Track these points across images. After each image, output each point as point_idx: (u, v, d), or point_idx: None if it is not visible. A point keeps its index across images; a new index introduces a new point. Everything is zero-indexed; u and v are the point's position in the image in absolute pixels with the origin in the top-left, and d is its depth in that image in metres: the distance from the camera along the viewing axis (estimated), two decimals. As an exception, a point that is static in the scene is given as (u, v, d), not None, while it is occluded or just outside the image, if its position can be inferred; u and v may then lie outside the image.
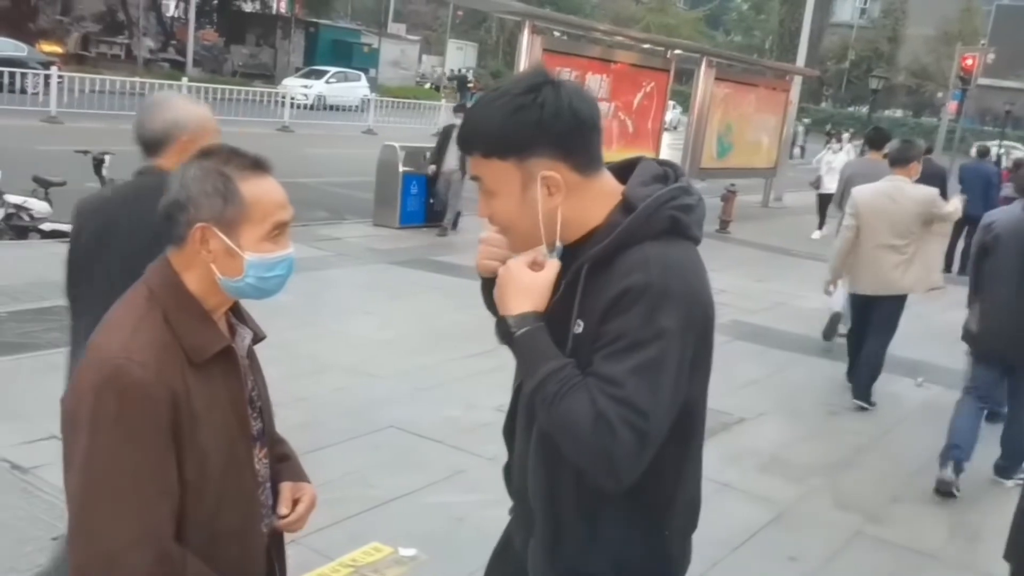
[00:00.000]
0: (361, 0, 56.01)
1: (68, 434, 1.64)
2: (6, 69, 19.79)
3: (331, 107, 30.68)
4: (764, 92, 17.65)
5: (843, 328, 7.87)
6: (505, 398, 2.01)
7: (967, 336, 5.56)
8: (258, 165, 1.72)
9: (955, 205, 6.70)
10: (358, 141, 22.08)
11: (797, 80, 19.49)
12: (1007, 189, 11.62)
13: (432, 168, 11.73)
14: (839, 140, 16.71)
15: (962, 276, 8.59)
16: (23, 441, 4.31)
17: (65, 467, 1.65)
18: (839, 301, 7.83)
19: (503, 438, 2.05)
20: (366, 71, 37.51)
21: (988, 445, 5.46)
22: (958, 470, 5.19)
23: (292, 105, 24.98)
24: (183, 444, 1.63)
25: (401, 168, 11.72)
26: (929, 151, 13.04)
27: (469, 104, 1.79)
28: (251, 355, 1.88)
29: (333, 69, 34.27)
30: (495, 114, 1.68)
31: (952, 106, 32.81)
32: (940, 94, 50.45)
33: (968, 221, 10.19)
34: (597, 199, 1.75)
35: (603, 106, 13.03)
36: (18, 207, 8.74)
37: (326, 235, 10.51)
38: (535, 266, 1.75)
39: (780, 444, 5.73)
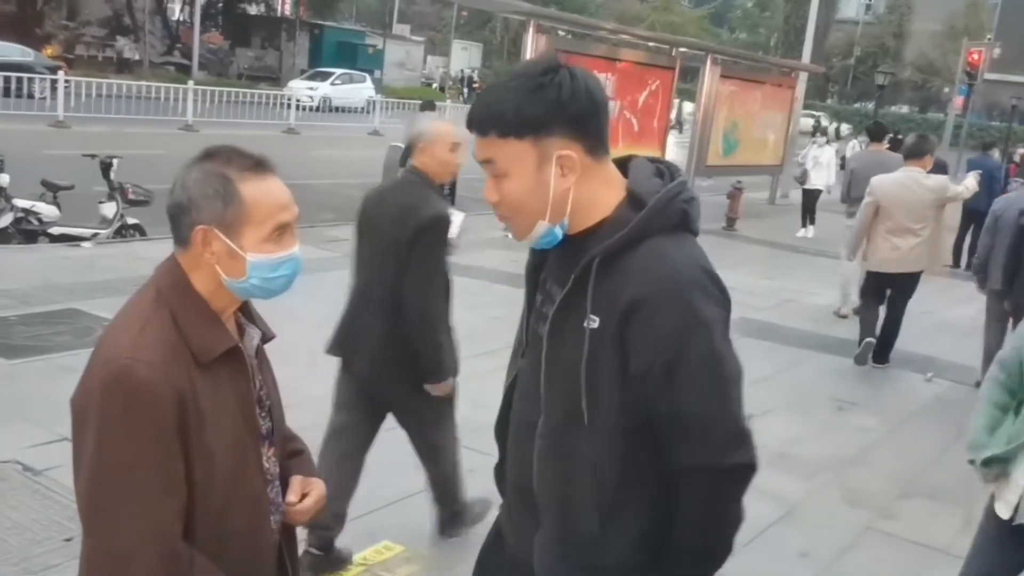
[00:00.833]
0: (365, 1, 56.11)
1: (77, 433, 1.65)
2: (13, 74, 19.85)
3: (337, 109, 30.68)
4: (770, 89, 17.63)
5: (851, 305, 8.66)
6: (514, 398, 2.01)
7: None
8: (260, 166, 1.71)
9: (969, 183, 7.26)
10: (364, 142, 22.07)
11: (803, 77, 19.46)
12: (1015, 184, 11.63)
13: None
14: (824, 134, 16.50)
15: (968, 272, 8.60)
16: (35, 443, 4.33)
17: (74, 466, 1.66)
18: (854, 280, 8.50)
19: (495, 438, 2.06)
20: (371, 72, 37.54)
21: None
22: None
23: (298, 107, 24.97)
24: (190, 444, 1.63)
25: (407, 169, 11.70)
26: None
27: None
28: (260, 355, 1.88)
29: (338, 71, 34.25)
30: (512, 94, 1.69)
31: (959, 101, 32.78)
32: (946, 89, 50.33)
33: (973, 216, 10.26)
34: (605, 185, 1.76)
35: (609, 105, 13.03)
36: (27, 211, 8.78)
37: (334, 236, 10.52)
38: None
39: (789, 440, 5.72)
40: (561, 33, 13.99)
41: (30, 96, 19.95)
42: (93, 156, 9.34)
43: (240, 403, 1.74)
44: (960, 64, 30.09)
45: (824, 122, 19.31)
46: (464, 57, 51.00)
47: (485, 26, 55.64)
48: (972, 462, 2.96)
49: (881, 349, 7.33)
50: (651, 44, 16.53)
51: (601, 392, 1.72)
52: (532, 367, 1.88)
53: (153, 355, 1.61)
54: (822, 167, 13.88)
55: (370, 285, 3.53)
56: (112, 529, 1.60)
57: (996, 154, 14.78)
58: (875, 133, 9.58)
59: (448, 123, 3.61)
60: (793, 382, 6.95)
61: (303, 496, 1.90)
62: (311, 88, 31.16)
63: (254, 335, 1.85)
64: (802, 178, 14.14)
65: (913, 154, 7.22)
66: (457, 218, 3.66)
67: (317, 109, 29.37)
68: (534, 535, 1.89)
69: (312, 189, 12.95)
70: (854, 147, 20.23)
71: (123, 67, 32.28)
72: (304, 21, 42.63)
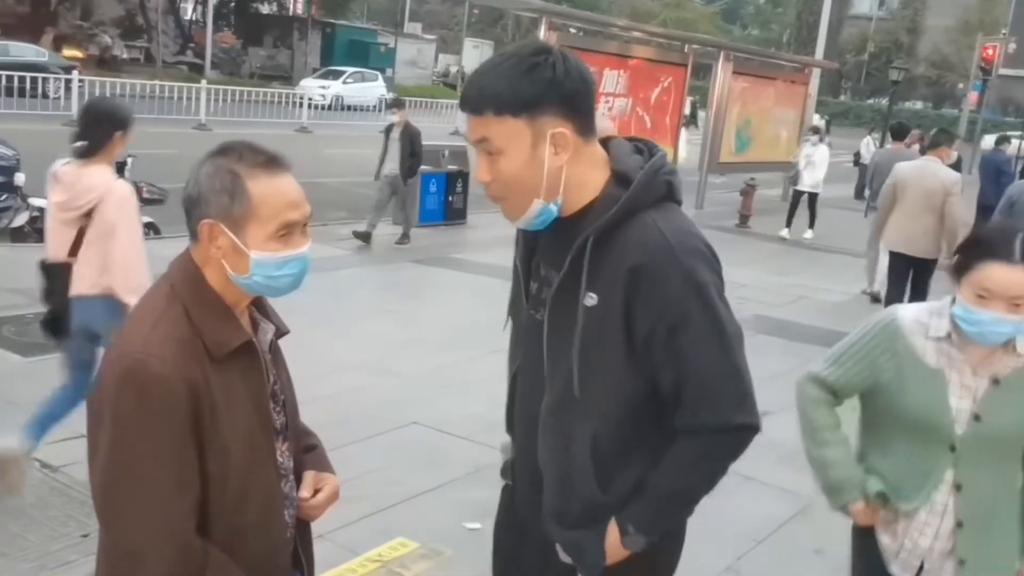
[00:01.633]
0: (377, 0, 56.13)
1: (92, 429, 1.66)
2: (28, 74, 19.97)
3: (349, 107, 30.73)
4: (782, 86, 17.56)
5: (874, 287, 9.15)
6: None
7: None
8: (272, 163, 1.70)
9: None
10: (376, 141, 21.99)
11: (816, 73, 19.38)
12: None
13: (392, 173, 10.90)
14: (817, 132, 16.16)
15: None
16: (52, 440, 4.35)
17: (89, 462, 1.66)
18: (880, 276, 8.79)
19: (506, 430, 2.10)
20: (383, 71, 37.61)
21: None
22: None
23: (310, 106, 25.05)
24: (204, 438, 1.63)
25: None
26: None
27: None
28: (274, 349, 1.88)
29: (350, 69, 34.35)
30: (506, 73, 1.72)
31: (973, 97, 32.58)
32: (961, 85, 50.01)
33: (984, 211, 10.33)
34: (593, 166, 1.81)
35: (621, 102, 13.01)
36: (42, 210, 8.82)
37: (346, 234, 10.53)
38: None
39: (803, 437, 5.69)
40: (573, 30, 13.95)
41: (44, 96, 20.09)
42: (107, 155, 9.35)
43: (254, 397, 1.74)
44: (974, 59, 29.90)
45: (816, 119, 19.14)
46: (476, 55, 50.81)
47: (497, 24, 55.59)
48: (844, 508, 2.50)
49: None
50: (663, 41, 16.48)
51: (598, 366, 1.78)
52: (532, 357, 1.92)
53: (165, 350, 1.61)
54: (815, 166, 13.47)
55: None
56: (126, 525, 1.61)
57: (1010, 147, 14.68)
58: (898, 132, 11.02)
59: None
60: (807, 379, 6.90)
61: (316, 491, 1.90)
62: (323, 87, 31.26)
63: (268, 330, 1.85)
64: (795, 178, 13.79)
65: (931, 145, 7.87)
66: None
67: (329, 108, 29.46)
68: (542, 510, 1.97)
69: (324, 187, 12.98)
70: (867, 144, 20.14)
71: (136, 67, 32.37)
72: (316, 20, 42.69)
